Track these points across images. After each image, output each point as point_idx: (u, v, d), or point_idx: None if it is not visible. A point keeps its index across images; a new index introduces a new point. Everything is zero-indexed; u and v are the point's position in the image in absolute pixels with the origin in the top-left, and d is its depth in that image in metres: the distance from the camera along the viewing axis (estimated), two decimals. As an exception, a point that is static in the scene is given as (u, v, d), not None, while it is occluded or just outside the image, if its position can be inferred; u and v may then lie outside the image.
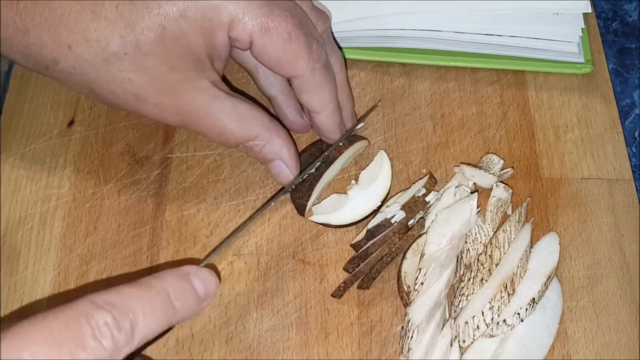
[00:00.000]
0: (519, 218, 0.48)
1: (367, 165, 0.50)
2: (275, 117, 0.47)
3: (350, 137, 0.50)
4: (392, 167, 0.50)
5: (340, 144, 0.49)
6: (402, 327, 0.44)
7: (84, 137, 0.52)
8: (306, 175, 0.47)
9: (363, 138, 0.51)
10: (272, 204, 0.47)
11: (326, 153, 0.48)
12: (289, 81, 0.47)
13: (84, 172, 0.50)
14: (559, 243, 0.46)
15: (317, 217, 0.47)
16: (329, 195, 0.49)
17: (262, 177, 0.50)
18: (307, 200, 0.47)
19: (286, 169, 0.46)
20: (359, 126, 0.51)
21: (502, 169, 0.50)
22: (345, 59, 0.50)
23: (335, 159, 0.48)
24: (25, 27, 0.38)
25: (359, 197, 0.48)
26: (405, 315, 0.44)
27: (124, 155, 0.51)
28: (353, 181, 0.50)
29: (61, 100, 0.53)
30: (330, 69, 0.45)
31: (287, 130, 0.46)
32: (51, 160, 0.51)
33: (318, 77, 0.43)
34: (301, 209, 0.48)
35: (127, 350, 0.28)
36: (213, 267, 0.46)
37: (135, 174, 0.50)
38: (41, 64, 0.39)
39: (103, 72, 0.39)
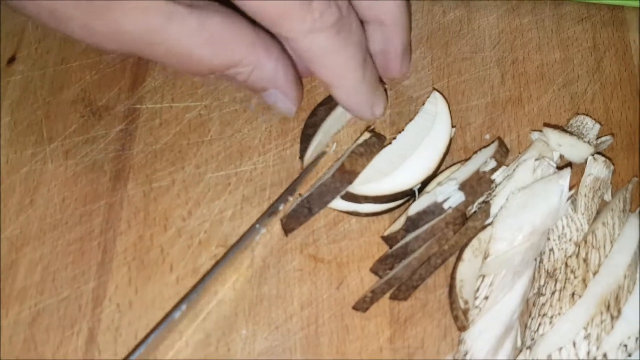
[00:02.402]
0: (624, 206, 0.34)
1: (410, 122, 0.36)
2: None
3: None
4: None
5: None
6: (455, 359, 0.31)
7: (26, 78, 0.40)
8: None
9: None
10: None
11: None
12: None
13: (23, 125, 0.38)
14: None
15: (341, 203, 0.34)
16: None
17: (262, 139, 0.37)
18: (304, 153, 0.36)
19: (284, 99, 0.34)
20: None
21: (599, 137, 0.36)
22: None
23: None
24: None
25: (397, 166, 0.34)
26: (460, 342, 0.31)
27: (77, 104, 0.38)
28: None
29: (1, 29, 0.40)
30: (353, 25, 0.31)
31: (282, 46, 0.33)
32: (-20, 109, 0.38)
33: (321, 43, 0.31)
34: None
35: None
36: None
37: (90, 130, 0.37)
38: None
39: None
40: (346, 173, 0.34)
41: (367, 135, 0.35)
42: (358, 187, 0.34)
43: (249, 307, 0.33)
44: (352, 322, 0.33)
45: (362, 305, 0.33)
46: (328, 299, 0.34)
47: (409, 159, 0.35)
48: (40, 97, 0.39)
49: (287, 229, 0.34)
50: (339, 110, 0.36)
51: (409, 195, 0.35)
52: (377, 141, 0.35)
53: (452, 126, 0.36)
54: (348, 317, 0.33)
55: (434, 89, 0.38)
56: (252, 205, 0.36)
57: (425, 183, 0.35)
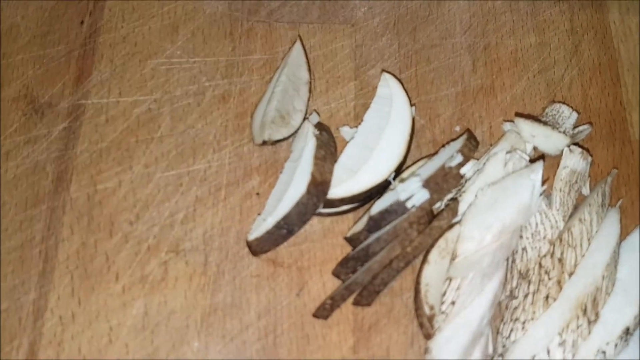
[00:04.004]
0: (602, 201, 0.32)
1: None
2: None
3: None
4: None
5: None
6: (421, 370, 0.29)
7: (-36, 75, 0.36)
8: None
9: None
10: None
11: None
12: None
13: (-40, 125, 0.35)
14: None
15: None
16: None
17: (217, 135, 0.35)
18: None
19: None
20: None
21: (576, 126, 0.34)
22: None
23: None
24: None
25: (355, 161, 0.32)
26: (426, 350, 0.29)
27: (18, 101, 0.36)
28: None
29: (-62, 23, 0.38)
30: None
31: None
32: None
33: None
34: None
35: None
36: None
37: (31, 129, 0.35)
38: None
39: None
40: (319, 185, 0.31)
41: (315, 131, 0.32)
42: (331, 190, 0.32)
43: (202, 317, 0.31)
44: (313, 330, 0.31)
45: (323, 312, 0.31)
46: (287, 306, 0.31)
47: (375, 150, 0.33)
48: (-21, 95, 0.36)
49: (260, 251, 0.32)
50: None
51: (387, 186, 0.33)
52: (328, 137, 0.32)
53: (412, 105, 0.34)
54: (309, 326, 0.31)
55: (384, 70, 0.36)
56: (206, 206, 0.33)
57: (398, 170, 0.33)
